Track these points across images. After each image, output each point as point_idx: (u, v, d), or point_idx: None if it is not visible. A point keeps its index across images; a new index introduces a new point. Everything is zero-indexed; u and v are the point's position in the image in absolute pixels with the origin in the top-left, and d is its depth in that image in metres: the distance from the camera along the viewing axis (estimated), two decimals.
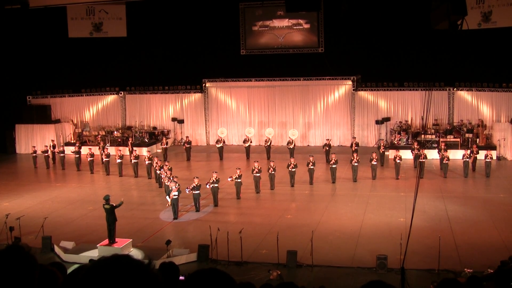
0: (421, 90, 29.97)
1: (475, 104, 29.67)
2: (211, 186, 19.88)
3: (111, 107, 34.51)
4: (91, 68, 32.37)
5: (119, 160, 25.00)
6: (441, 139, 27.22)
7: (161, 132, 33.13)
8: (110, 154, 26.21)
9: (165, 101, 34.15)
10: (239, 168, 21.38)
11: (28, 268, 2.14)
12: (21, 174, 26.64)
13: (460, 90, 29.92)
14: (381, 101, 31.32)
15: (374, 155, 23.44)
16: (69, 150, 28.55)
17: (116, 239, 15.23)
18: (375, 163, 23.29)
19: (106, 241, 15.13)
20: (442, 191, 21.22)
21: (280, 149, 29.51)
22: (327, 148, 26.49)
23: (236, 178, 20.75)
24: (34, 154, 27.56)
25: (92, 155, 26.21)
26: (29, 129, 32.11)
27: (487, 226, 16.88)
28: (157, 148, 31.23)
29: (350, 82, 31.63)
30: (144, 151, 27.52)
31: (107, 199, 15.49)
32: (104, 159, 25.84)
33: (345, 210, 19.00)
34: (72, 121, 33.55)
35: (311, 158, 22.99)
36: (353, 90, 31.51)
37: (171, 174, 20.52)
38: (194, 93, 33.82)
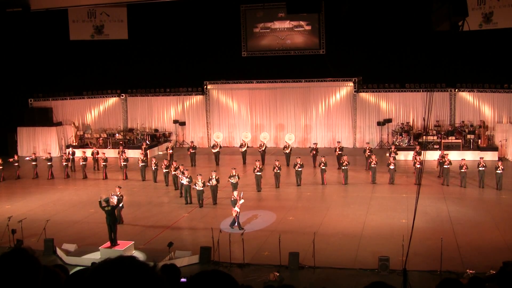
0: (422, 91, 29.95)
1: (476, 105, 29.63)
2: (210, 184, 20.04)
3: (113, 109, 34.55)
4: (93, 71, 32.41)
5: (142, 164, 24.90)
6: (443, 141, 27.18)
7: (163, 134, 33.13)
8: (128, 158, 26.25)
9: (166, 103, 34.16)
10: (234, 168, 21.43)
11: (32, 271, 2.16)
12: (22, 176, 26.59)
13: (462, 91, 29.89)
14: (383, 103, 31.29)
15: (391, 159, 23.20)
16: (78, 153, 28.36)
17: (118, 241, 15.23)
18: (393, 167, 22.81)
19: (108, 244, 15.13)
20: (443, 192, 21.19)
21: (282, 152, 29.37)
22: (314, 152, 26.16)
23: (232, 177, 20.79)
24: (34, 163, 26.19)
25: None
26: (31, 132, 32.10)
27: (489, 227, 16.87)
28: (159, 151, 31.23)
29: (351, 84, 31.61)
30: (138, 154, 27.58)
31: (106, 200, 15.51)
32: (122, 163, 25.43)
33: (347, 212, 18.99)
34: (74, 123, 33.59)
35: (322, 159, 22.91)
36: (355, 91, 31.49)
37: (187, 172, 20.71)
38: (195, 95, 33.84)
